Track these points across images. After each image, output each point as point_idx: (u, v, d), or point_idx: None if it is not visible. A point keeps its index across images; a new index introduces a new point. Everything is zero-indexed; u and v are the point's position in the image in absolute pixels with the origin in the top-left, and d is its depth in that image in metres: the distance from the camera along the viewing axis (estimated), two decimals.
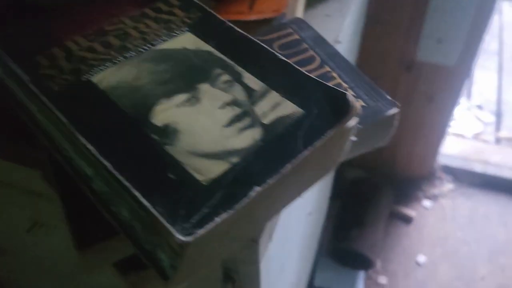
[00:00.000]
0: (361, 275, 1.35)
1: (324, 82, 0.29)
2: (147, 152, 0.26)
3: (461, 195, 1.55)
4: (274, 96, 0.29)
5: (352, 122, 0.28)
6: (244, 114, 0.28)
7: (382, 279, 1.35)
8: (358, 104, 0.28)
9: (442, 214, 1.51)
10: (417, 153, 1.48)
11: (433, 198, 1.54)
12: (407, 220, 1.48)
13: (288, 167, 0.25)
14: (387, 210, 1.43)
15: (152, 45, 0.32)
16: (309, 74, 0.30)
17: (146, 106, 0.28)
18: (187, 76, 0.30)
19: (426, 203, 1.53)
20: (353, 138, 0.30)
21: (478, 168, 1.56)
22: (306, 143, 0.26)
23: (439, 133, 1.41)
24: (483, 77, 1.94)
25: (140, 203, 0.23)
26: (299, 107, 0.28)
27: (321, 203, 0.94)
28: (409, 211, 1.49)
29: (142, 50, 0.31)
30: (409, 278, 1.36)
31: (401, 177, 1.55)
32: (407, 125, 1.38)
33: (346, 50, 0.57)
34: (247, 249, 0.37)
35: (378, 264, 1.39)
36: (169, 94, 0.29)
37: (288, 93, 0.29)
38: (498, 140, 1.72)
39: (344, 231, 1.31)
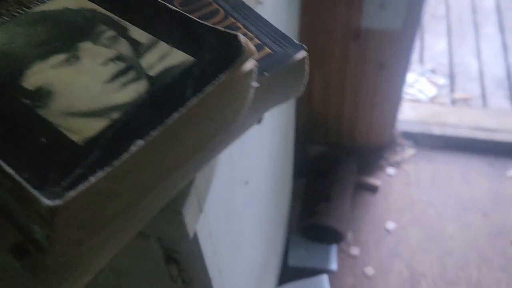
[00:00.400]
0: (334, 249, 1.35)
1: (217, 27, 0.27)
2: (16, 118, 0.23)
3: (423, 159, 1.57)
4: (162, 47, 0.27)
5: (248, 65, 0.26)
6: (128, 68, 0.26)
7: (354, 250, 1.36)
8: (251, 45, 0.26)
9: (407, 180, 1.52)
10: (375, 122, 1.48)
11: (396, 165, 1.55)
12: (373, 189, 1.49)
13: (175, 116, 0.23)
14: (352, 182, 1.43)
15: (29, 8, 0.29)
16: (201, 21, 0.28)
17: (17, 70, 0.25)
18: (67, 36, 0.27)
19: (390, 170, 1.54)
20: (255, 84, 0.28)
21: (437, 130, 1.59)
22: (196, 90, 0.24)
23: (395, 100, 1.42)
24: (434, 42, 1.96)
25: (4, 172, 0.21)
26: (190, 55, 0.26)
27: (280, 180, 0.93)
28: (374, 180, 1.50)
29: (16, 14, 0.28)
30: (380, 246, 1.37)
31: (363, 147, 1.56)
32: (362, 95, 1.39)
33: (272, 11, 0.55)
34: (173, 221, 0.34)
35: (349, 235, 1.39)
36: (44, 55, 0.26)
37: (179, 43, 0.27)
38: (453, 102, 1.75)
39: (312, 207, 1.31)
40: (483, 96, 1.77)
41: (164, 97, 0.24)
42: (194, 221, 0.35)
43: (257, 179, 0.55)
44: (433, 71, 1.84)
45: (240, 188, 0.46)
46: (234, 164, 0.42)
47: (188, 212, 0.33)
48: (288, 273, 1.28)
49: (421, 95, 1.74)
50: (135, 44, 0.27)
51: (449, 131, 1.58)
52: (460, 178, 1.52)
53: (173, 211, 0.32)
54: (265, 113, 0.32)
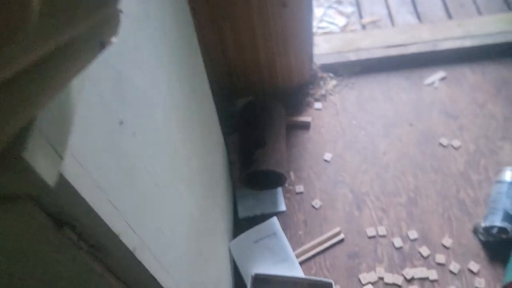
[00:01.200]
0: (279, 192, 1.38)
1: None
2: None
3: (345, 87, 1.61)
4: None
5: None
6: None
7: (299, 188, 1.40)
8: None
9: (334, 110, 1.57)
10: (293, 62, 1.50)
11: (322, 98, 1.59)
12: (305, 126, 1.53)
13: None
14: (284, 124, 1.45)
15: None
16: None
17: None
18: None
19: (317, 105, 1.58)
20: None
21: (353, 57, 1.63)
22: None
23: (306, 36, 1.44)
24: None
25: None
26: None
27: (201, 137, 0.92)
28: (305, 118, 1.53)
29: None
30: (322, 178, 1.42)
31: (287, 89, 1.58)
32: (273, 37, 1.39)
33: None
34: (18, 169, 0.29)
35: (292, 175, 1.43)
36: None
37: None
38: (363, 27, 1.80)
39: (249, 157, 1.32)
40: (390, 15, 1.82)
41: None
42: (51, 169, 0.30)
43: (151, 130, 0.53)
44: (339, 2, 1.87)
45: (128, 138, 0.44)
46: (109, 107, 0.40)
47: (35, 158, 0.28)
48: (241, 226, 1.30)
49: (333, 27, 1.77)
50: None
51: (364, 55, 1.63)
52: (382, 96, 1.59)
53: (14, 158, 0.27)
54: (109, 37, 0.30)
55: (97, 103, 0.37)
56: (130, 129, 0.45)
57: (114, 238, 0.39)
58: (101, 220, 0.37)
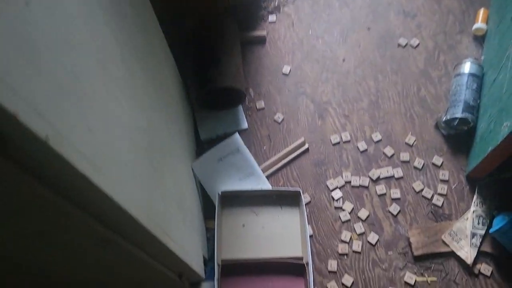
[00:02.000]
0: (240, 110, 1.34)
1: None
2: None
3: None
4: None
5: None
6: None
7: (260, 104, 1.36)
8: None
9: (289, 21, 1.50)
10: None
11: (276, 10, 1.51)
12: (261, 41, 1.46)
13: None
14: (238, 40, 1.38)
15: None
16: None
17: None
18: None
19: (272, 17, 1.50)
20: None
21: None
22: None
23: None
24: None
25: None
26: None
27: (138, 59, 0.86)
28: (260, 32, 1.46)
29: None
30: (282, 91, 1.38)
31: (239, 5, 1.49)
32: None
33: None
34: None
35: (251, 92, 1.38)
36: None
37: None
38: None
39: (204, 76, 1.26)
40: None
41: None
42: None
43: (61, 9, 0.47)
44: None
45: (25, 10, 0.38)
46: None
47: None
48: (205, 149, 1.26)
49: None
50: None
51: None
52: (338, 3, 1.52)
53: None
54: None
55: None
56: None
57: (12, 120, 0.34)
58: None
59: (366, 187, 1.23)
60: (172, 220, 0.82)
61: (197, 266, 1.00)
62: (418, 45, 1.42)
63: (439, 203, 1.19)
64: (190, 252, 0.95)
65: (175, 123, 1.07)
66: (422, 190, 1.21)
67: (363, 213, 1.19)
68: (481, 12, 1.40)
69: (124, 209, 0.54)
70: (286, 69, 1.41)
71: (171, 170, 0.90)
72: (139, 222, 0.60)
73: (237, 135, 1.23)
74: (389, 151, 1.27)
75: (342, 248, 1.15)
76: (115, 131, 0.58)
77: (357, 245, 1.16)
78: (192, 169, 1.17)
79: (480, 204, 1.17)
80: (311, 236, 1.17)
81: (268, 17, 1.50)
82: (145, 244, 0.70)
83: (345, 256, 1.15)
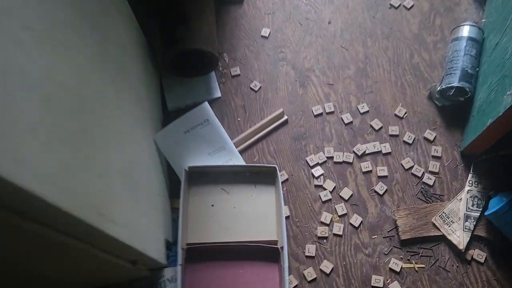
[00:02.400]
0: (213, 77, 1.20)
1: None
2: None
3: None
4: None
5: None
6: None
7: (235, 70, 1.22)
8: None
9: None
10: None
11: None
12: (238, 0, 1.31)
13: None
14: None
15: None
16: None
17: None
18: None
19: None
20: None
21: None
22: None
23: None
24: None
25: None
26: None
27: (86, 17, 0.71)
28: None
29: None
30: (260, 56, 1.24)
31: None
32: None
33: None
34: None
35: (225, 57, 1.24)
36: None
37: None
38: None
39: (171, 36, 1.11)
40: None
41: None
42: None
43: None
44: None
45: None
46: None
47: None
48: (172, 118, 1.12)
49: None
50: None
51: None
52: None
53: None
54: None
55: None
56: None
57: None
58: None
59: (350, 164, 1.10)
60: (116, 200, 0.69)
61: (155, 251, 0.88)
62: (412, 6, 1.28)
63: (430, 182, 1.07)
64: (145, 236, 0.83)
65: (133, 89, 0.92)
66: (411, 167, 1.09)
67: (345, 193, 1.07)
68: None
69: (21, 187, 0.41)
70: (265, 31, 1.27)
71: (119, 142, 0.77)
72: (51, 203, 0.47)
73: (206, 104, 1.09)
74: (376, 124, 1.14)
75: (321, 231, 1.04)
76: (13, 80, 0.44)
77: (338, 228, 1.04)
78: (155, 142, 1.04)
79: (475, 183, 1.05)
80: (287, 218, 1.05)
81: None
82: (75, 230, 0.57)
83: (325, 240, 1.03)
